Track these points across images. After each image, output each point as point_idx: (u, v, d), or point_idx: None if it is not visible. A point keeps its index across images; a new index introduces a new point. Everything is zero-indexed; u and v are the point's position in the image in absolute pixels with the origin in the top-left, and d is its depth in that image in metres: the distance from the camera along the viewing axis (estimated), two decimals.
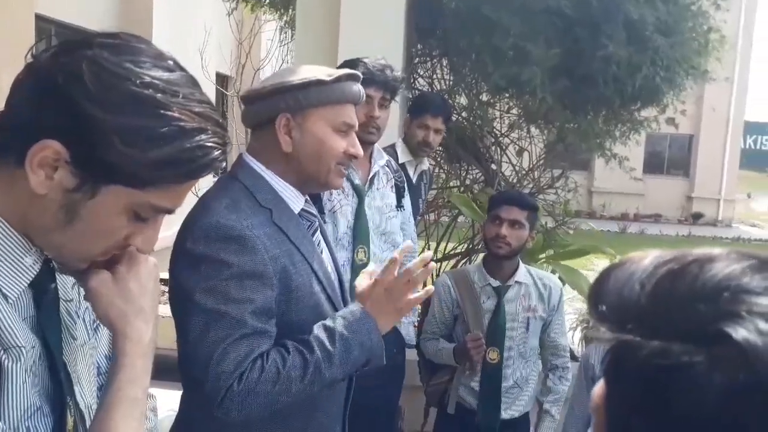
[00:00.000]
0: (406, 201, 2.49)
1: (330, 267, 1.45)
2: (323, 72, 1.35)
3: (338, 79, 1.34)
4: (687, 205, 18.47)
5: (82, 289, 0.89)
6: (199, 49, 5.32)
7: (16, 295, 0.75)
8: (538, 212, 2.47)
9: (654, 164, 18.42)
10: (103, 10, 6.89)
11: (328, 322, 1.30)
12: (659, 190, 17.94)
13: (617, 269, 0.53)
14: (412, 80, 4.05)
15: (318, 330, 1.29)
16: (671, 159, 19.17)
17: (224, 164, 0.82)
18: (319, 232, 1.48)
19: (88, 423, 0.85)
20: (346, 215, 2.16)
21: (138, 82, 0.72)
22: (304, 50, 3.60)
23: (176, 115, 0.73)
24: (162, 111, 0.72)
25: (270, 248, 1.26)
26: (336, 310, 1.39)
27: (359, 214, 2.18)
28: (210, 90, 6.28)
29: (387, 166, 2.41)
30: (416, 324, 3.42)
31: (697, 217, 17.72)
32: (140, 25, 6.80)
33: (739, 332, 0.44)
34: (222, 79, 7.88)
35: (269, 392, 1.21)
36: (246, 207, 1.28)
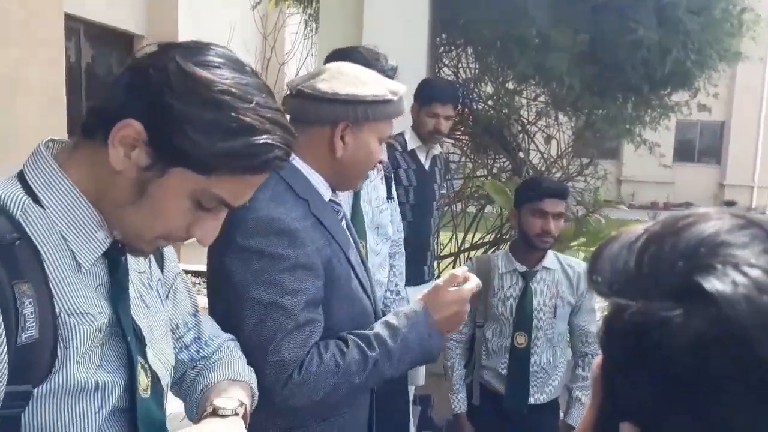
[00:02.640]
0: (394, 192, 2.47)
1: (357, 254, 1.47)
2: (387, 87, 1.37)
3: (401, 99, 1.38)
4: (719, 192, 18.10)
5: (154, 261, 1.00)
6: (225, 45, 5.37)
7: (89, 265, 0.84)
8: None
9: (684, 152, 18.07)
10: (130, 8, 6.98)
11: (392, 320, 1.33)
12: (690, 178, 17.62)
13: (613, 241, 0.52)
14: (437, 70, 4.03)
15: (380, 327, 1.32)
16: (702, 147, 18.79)
17: (285, 165, 0.87)
18: (344, 220, 1.49)
19: (163, 382, 0.94)
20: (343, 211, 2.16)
21: (216, 89, 0.79)
22: (328, 43, 3.61)
23: (247, 116, 0.80)
24: (234, 113, 0.79)
25: (315, 239, 1.28)
26: (368, 296, 1.41)
27: (356, 209, 2.17)
28: None
29: None
30: None
31: (729, 205, 17.35)
32: (166, 22, 6.88)
33: (712, 283, 0.43)
34: None
35: (327, 384, 1.24)
36: (288, 199, 1.30)
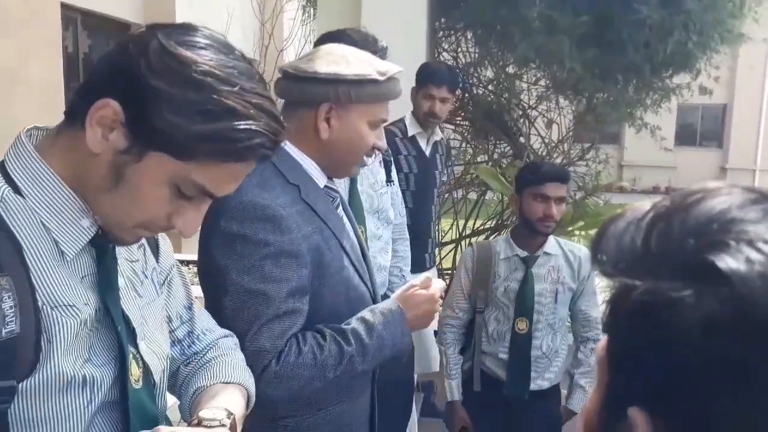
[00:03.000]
0: (394, 175, 2.45)
1: (354, 240, 1.45)
2: (376, 67, 1.32)
3: (389, 79, 1.33)
4: (721, 176, 18.04)
5: (149, 250, 0.97)
6: (223, 32, 5.33)
7: (74, 253, 0.81)
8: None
9: (686, 136, 18.00)
10: None
11: (367, 316, 1.32)
12: (691, 163, 17.54)
13: (618, 218, 0.50)
14: (436, 54, 3.99)
15: (356, 323, 1.31)
16: (704, 130, 18.71)
17: (272, 152, 0.82)
18: (341, 207, 1.47)
19: (156, 374, 0.92)
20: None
21: (198, 69, 0.76)
22: (326, 29, 3.57)
23: (230, 100, 0.76)
24: (215, 96, 0.76)
25: (302, 226, 1.26)
26: (364, 282, 1.40)
27: (353, 194, 2.15)
28: None
29: None
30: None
31: None
32: (163, 9, 6.83)
33: (726, 261, 0.41)
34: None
35: (304, 376, 1.23)
36: (276, 185, 1.27)
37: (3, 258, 0.75)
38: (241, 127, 0.77)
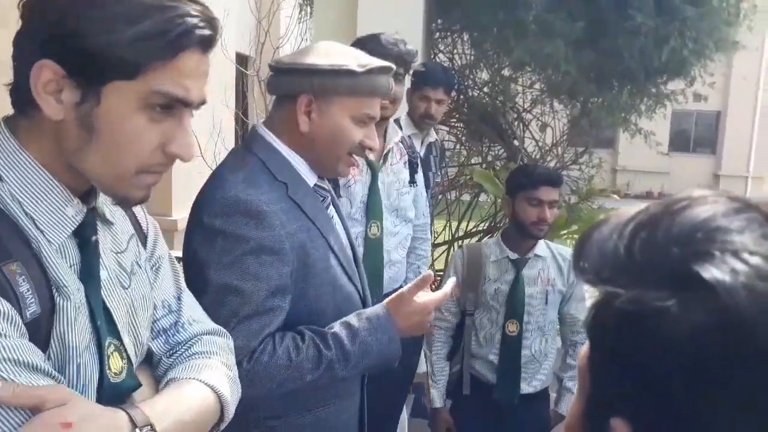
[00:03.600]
0: (419, 177, 2.48)
1: (344, 240, 1.44)
2: (357, 60, 1.30)
3: (370, 72, 1.30)
4: (714, 183, 18.11)
5: (138, 239, 0.95)
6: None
7: (59, 243, 0.81)
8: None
9: (680, 142, 18.06)
10: None
11: (353, 321, 1.29)
12: (685, 168, 17.62)
13: (601, 225, 0.50)
14: (432, 55, 3.99)
15: (339, 327, 1.28)
16: (697, 137, 18.78)
17: (211, 35, 0.80)
18: (332, 206, 1.46)
19: (136, 367, 0.89)
20: (360, 190, 2.16)
21: None
22: (322, 26, 3.57)
23: (150, 0, 0.76)
24: (135, 1, 0.75)
25: (287, 224, 1.25)
26: (352, 282, 1.39)
27: (373, 190, 2.18)
28: (230, 70, 6.27)
29: (401, 142, 2.40)
30: None
31: None
32: None
33: (710, 271, 0.41)
34: (242, 59, 7.87)
35: (277, 377, 1.21)
36: (263, 182, 1.27)
37: (9, 244, 0.75)
38: (167, 16, 0.76)
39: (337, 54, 1.31)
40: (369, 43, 1.99)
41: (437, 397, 2.39)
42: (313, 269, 1.29)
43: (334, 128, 1.31)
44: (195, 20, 0.78)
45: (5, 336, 0.71)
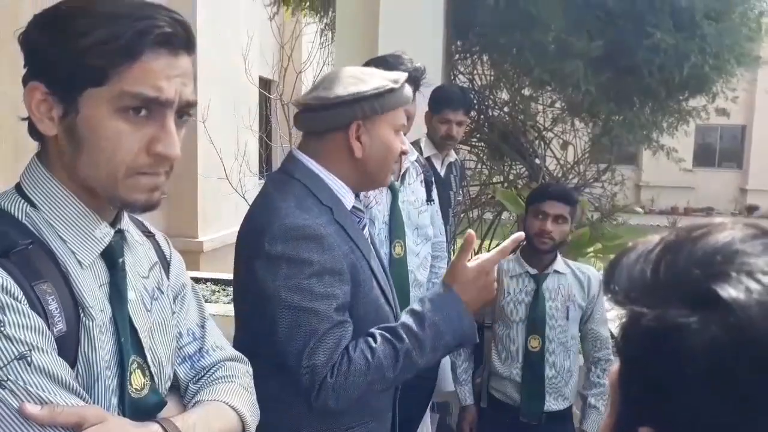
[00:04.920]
0: (434, 194, 2.51)
1: (378, 262, 1.47)
2: (389, 78, 1.37)
3: (403, 85, 1.38)
4: (740, 197, 17.83)
5: (161, 267, 1.00)
6: (243, 54, 5.43)
7: (89, 263, 0.85)
8: (579, 206, 2.44)
9: (705, 157, 17.84)
10: None
11: (417, 307, 1.32)
12: (710, 183, 17.38)
13: (630, 250, 0.54)
14: (452, 77, 4.04)
15: (406, 316, 1.31)
16: (723, 151, 18.53)
17: (171, 33, 0.82)
18: (367, 228, 1.50)
19: (159, 385, 0.93)
20: (381, 211, 2.19)
21: (65, 6, 0.82)
22: (344, 51, 3.64)
23: (101, 9, 0.80)
24: (88, 13, 0.80)
25: (341, 245, 1.29)
26: (389, 304, 1.41)
27: (394, 210, 2.20)
28: (253, 94, 6.39)
29: (416, 161, 2.44)
30: None
31: (751, 210, 17.06)
32: None
33: (728, 291, 0.45)
34: (265, 83, 8.02)
35: (362, 382, 1.24)
36: (312, 205, 1.31)
37: (40, 266, 0.80)
38: (120, 22, 0.79)
39: (370, 77, 1.37)
40: (379, 65, 2.04)
41: (465, 394, 2.40)
42: (362, 289, 1.33)
43: (385, 145, 1.37)
44: (152, 21, 0.81)
45: (41, 350, 0.75)
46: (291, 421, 1.31)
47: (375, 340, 1.27)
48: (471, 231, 1.36)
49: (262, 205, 1.35)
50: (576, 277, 2.32)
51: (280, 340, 1.23)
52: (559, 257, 2.33)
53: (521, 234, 1.41)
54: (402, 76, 1.39)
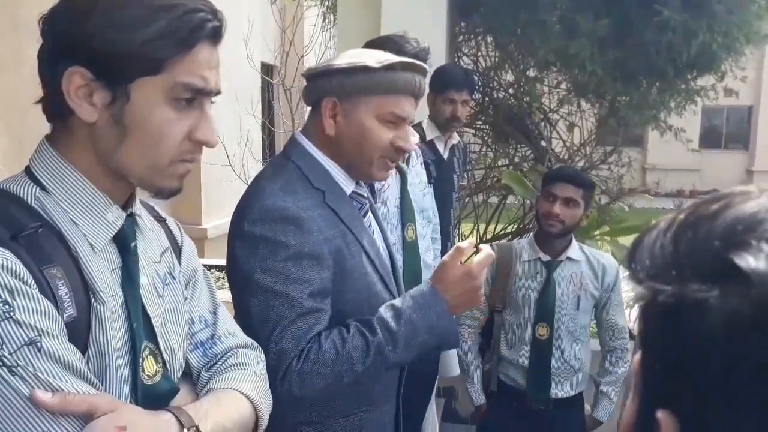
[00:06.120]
0: (434, 177, 2.52)
1: (382, 248, 1.44)
2: (375, 58, 1.29)
3: (389, 68, 1.28)
4: (747, 179, 17.71)
5: (173, 252, 0.99)
6: (244, 40, 5.37)
7: (101, 246, 0.85)
8: (594, 191, 2.40)
9: (711, 139, 17.71)
10: None
11: (397, 302, 1.28)
12: (717, 165, 17.26)
13: (651, 228, 0.51)
14: (456, 59, 3.99)
15: (384, 310, 1.27)
16: (729, 132, 18.40)
17: (219, 27, 0.86)
18: (370, 213, 1.46)
19: (171, 371, 0.92)
20: (393, 194, 2.17)
21: None
22: (346, 34, 3.59)
23: (159, 2, 0.82)
24: (146, 3, 0.81)
25: (324, 229, 1.26)
26: (389, 290, 1.38)
27: (404, 193, 2.19)
28: (255, 79, 6.34)
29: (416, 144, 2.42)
30: None
31: None
32: None
33: (747, 259, 0.42)
34: (267, 69, 7.96)
35: (329, 372, 1.21)
36: (300, 188, 1.28)
37: (50, 251, 0.78)
38: (179, 14, 0.81)
39: (356, 55, 1.32)
40: (383, 45, 1.99)
41: (476, 393, 2.39)
42: (350, 275, 1.29)
43: (360, 129, 1.30)
44: (203, 14, 0.83)
45: (51, 336, 0.74)
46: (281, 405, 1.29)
47: (348, 331, 1.24)
48: (472, 241, 1.33)
49: (251, 186, 1.33)
50: (590, 264, 2.28)
51: (253, 322, 1.21)
52: (574, 243, 2.29)
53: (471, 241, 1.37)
54: (394, 58, 1.30)
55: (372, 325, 1.25)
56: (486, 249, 1.31)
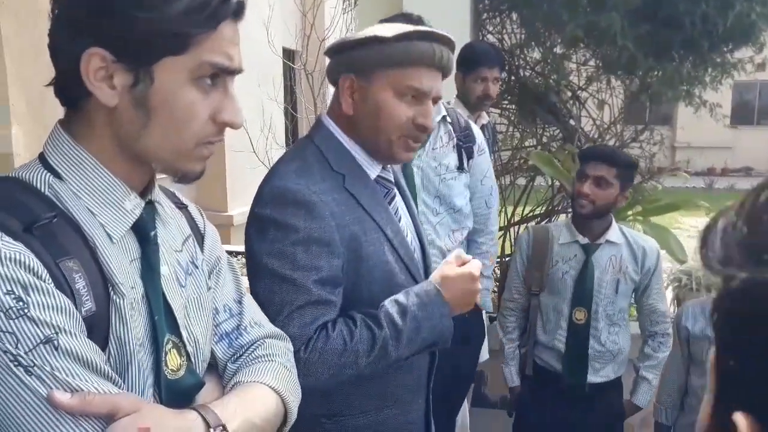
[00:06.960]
0: (475, 162, 2.37)
1: (411, 236, 1.39)
2: (390, 30, 1.23)
3: (403, 37, 1.21)
4: None
5: (195, 240, 0.96)
6: (264, 24, 5.33)
7: (119, 236, 0.81)
8: (634, 170, 2.30)
9: (742, 115, 17.24)
10: None
11: (401, 298, 1.25)
12: (749, 142, 16.82)
13: (723, 213, 0.47)
14: (481, 37, 3.89)
15: (389, 305, 1.24)
16: (762, 108, 17.89)
17: (242, 3, 0.82)
18: (398, 199, 1.40)
19: (196, 365, 0.88)
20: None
21: None
22: (367, 15, 3.53)
23: None
24: None
25: (338, 215, 1.21)
26: (415, 279, 1.34)
27: (406, 175, 2.11)
28: (277, 65, 6.30)
29: (451, 124, 2.32)
30: (495, 289, 3.34)
31: None
32: None
33: None
34: (288, 54, 7.92)
35: (335, 363, 1.18)
36: (317, 171, 1.24)
37: (65, 242, 0.75)
38: None
39: (373, 29, 1.26)
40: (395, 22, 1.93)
41: (511, 375, 2.37)
42: (366, 262, 1.25)
43: (377, 106, 1.24)
44: None
45: (69, 333, 0.70)
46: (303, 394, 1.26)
47: (355, 324, 1.20)
48: (458, 251, 1.35)
49: (271, 168, 1.29)
50: (630, 248, 2.20)
51: (260, 305, 1.16)
52: (614, 225, 2.22)
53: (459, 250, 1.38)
54: (409, 28, 1.23)
55: (379, 319, 1.22)
56: (474, 261, 1.34)
